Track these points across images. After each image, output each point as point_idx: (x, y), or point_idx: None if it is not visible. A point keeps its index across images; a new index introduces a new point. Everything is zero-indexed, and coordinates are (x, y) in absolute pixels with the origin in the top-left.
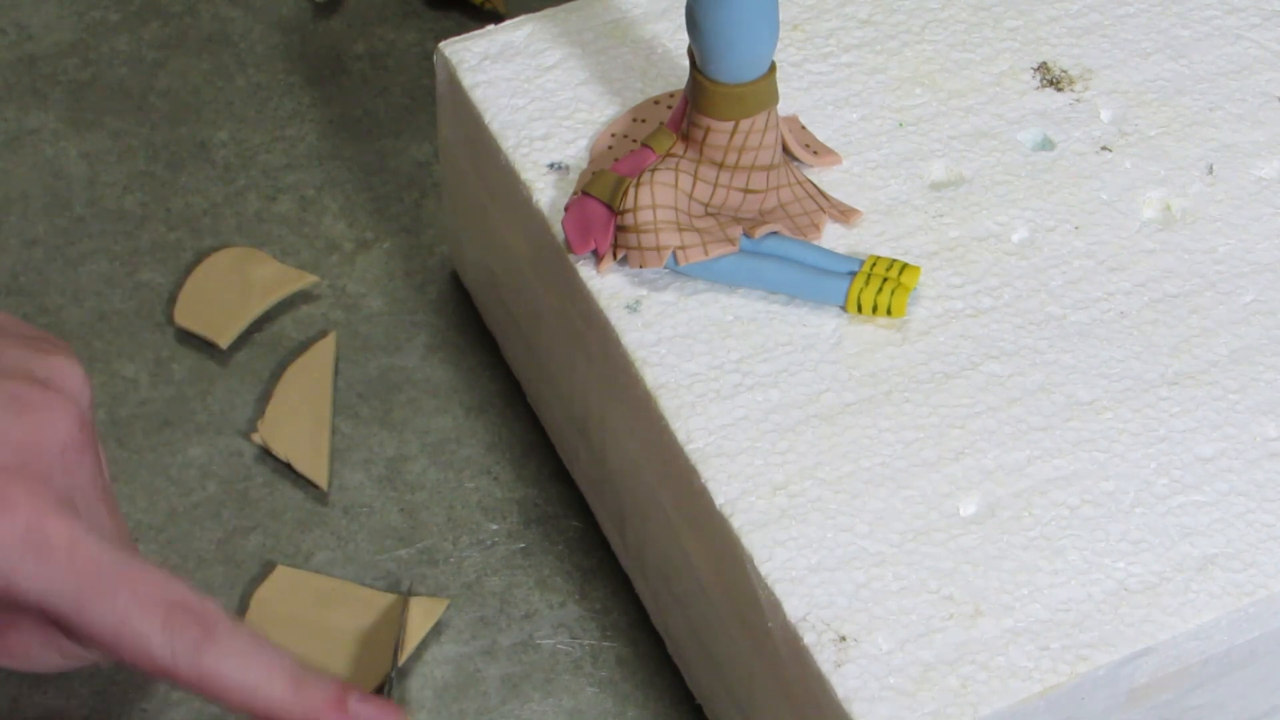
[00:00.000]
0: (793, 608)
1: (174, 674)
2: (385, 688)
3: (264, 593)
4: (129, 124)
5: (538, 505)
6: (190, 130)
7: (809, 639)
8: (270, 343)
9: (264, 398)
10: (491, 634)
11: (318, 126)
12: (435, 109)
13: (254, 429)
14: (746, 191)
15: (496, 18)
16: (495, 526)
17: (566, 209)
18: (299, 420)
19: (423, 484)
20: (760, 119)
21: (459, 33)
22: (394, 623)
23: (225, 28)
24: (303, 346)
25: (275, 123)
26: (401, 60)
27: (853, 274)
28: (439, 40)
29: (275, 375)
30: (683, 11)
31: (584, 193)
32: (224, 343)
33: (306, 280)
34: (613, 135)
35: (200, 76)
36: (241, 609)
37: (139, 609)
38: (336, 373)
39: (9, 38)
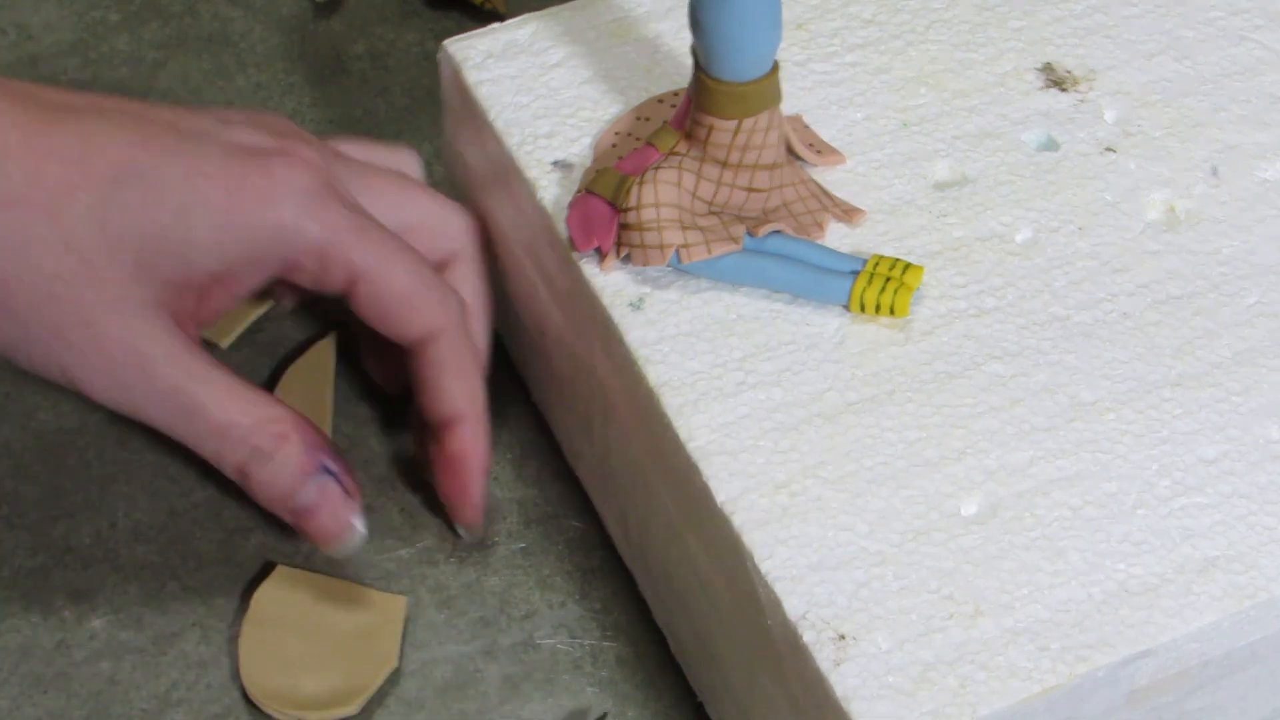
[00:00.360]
0: (792, 606)
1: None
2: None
3: (264, 593)
4: None
5: (538, 505)
6: None
7: (808, 637)
8: (270, 343)
9: None
10: (491, 634)
11: (318, 126)
12: (435, 109)
13: None
14: (750, 190)
15: (496, 17)
16: (495, 526)
17: (570, 207)
18: (301, 404)
19: (423, 484)
20: (763, 118)
21: (459, 32)
22: (395, 622)
23: (225, 28)
24: (303, 346)
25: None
26: (401, 60)
27: (855, 273)
28: (439, 40)
29: (275, 375)
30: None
31: (587, 190)
32: (224, 343)
33: None
34: (616, 133)
35: (200, 76)
36: (241, 609)
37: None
38: (336, 373)
39: (9, 38)
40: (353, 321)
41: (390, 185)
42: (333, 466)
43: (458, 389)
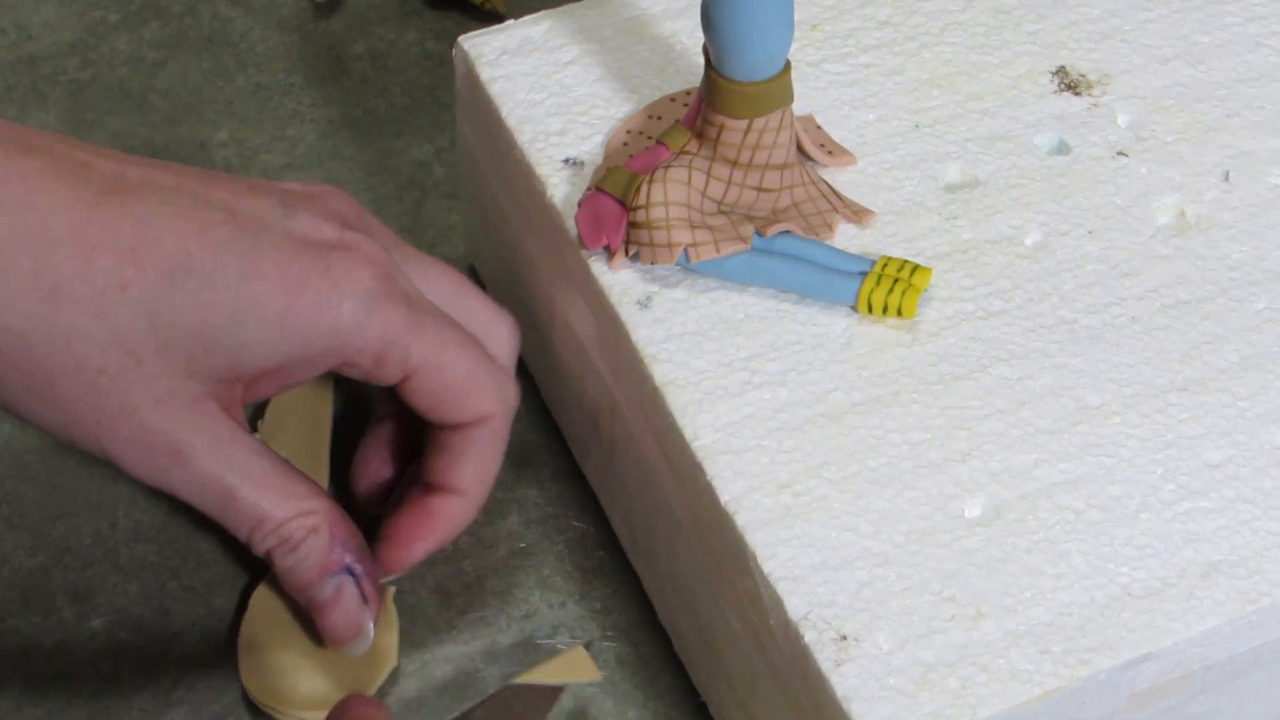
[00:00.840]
0: (794, 606)
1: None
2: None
3: (264, 593)
4: (129, 124)
5: (538, 505)
6: (190, 130)
7: (810, 637)
8: None
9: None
10: (491, 634)
11: (318, 126)
12: (436, 109)
13: (254, 430)
14: (760, 190)
15: (496, 18)
16: (495, 526)
17: (580, 204)
18: (299, 421)
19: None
20: (774, 118)
21: (459, 33)
22: (389, 618)
23: (225, 28)
24: None
25: (275, 123)
26: (401, 60)
27: (864, 274)
28: (439, 40)
29: None
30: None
31: (597, 188)
32: None
33: None
34: (628, 132)
35: (200, 76)
36: (241, 609)
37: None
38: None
39: (9, 38)
40: (371, 429)
41: (446, 279)
42: (356, 568)
43: (476, 471)
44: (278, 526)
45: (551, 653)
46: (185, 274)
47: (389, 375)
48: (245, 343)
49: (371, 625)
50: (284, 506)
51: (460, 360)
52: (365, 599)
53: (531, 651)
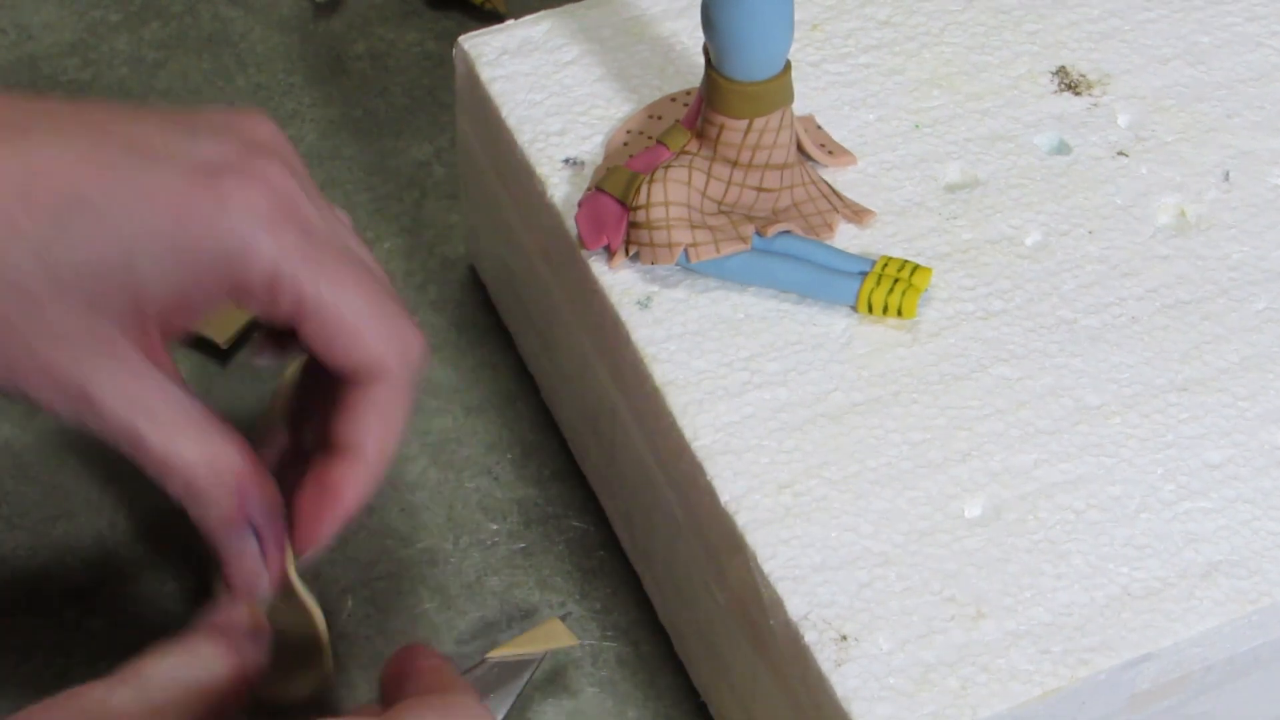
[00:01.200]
0: (794, 606)
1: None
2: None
3: None
4: None
5: (538, 505)
6: None
7: (810, 638)
8: None
9: (264, 397)
10: (492, 634)
11: (318, 126)
12: (436, 109)
13: (254, 429)
14: (760, 190)
15: (497, 18)
16: (495, 526)
17: (580, 204)
18: None
19: (423, 484)
20: (774, 118)
21: (459, 33)
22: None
23: (225, 28)
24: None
25: (275, 122)
26: (401, 60)
27: (864, 274)
28: (439, 40)
29: (275, 374)
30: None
31: (598, 188)
32: (223, 341)
33: None
34: (628, 132)
35: (200, 76)
36: None
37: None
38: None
39: (9, 38)
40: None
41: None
42: (262, 529)
43: (375, 429)
44: (184, 472)
45: (551, 654)
46: (74, 210)
47: (283, 308)
48: (141, 275)
49: (267, 584)
50: (192, 450)
51: (358, 300)
52: (265, 558)
53: None
